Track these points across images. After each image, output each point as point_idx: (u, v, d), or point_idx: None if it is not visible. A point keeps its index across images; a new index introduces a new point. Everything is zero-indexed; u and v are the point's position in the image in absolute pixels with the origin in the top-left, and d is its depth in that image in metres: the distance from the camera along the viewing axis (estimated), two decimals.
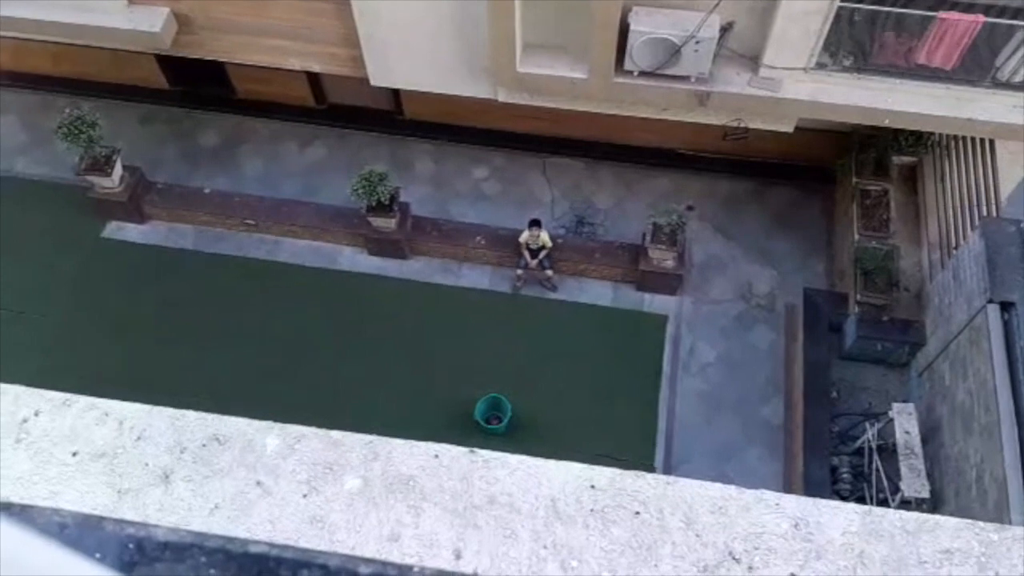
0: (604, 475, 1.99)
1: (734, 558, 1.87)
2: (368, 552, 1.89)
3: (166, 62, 13.32)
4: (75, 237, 12.93)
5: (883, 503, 9.91)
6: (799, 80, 9.52)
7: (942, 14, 8.53)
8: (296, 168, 13.70)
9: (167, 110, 14.10)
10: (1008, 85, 9.19)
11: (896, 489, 9.78)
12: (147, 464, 2.03)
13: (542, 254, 12.18)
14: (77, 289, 12.56)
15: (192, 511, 1.97)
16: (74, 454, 2.05)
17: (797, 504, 1.95)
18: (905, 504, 9.56)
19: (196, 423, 2.09)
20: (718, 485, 1.99)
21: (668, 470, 11.03)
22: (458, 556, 1.90)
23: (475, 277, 12.71)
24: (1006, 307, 9.27)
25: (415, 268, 12.79)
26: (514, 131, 13.34)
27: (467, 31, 10.03)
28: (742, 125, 10.61)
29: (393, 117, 13.79)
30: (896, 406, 10.13)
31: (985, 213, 10.45)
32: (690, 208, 12.99)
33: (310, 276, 12.70)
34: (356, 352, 12.02)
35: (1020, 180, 11.05)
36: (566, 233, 12.97)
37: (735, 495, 1.96)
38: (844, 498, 10.19)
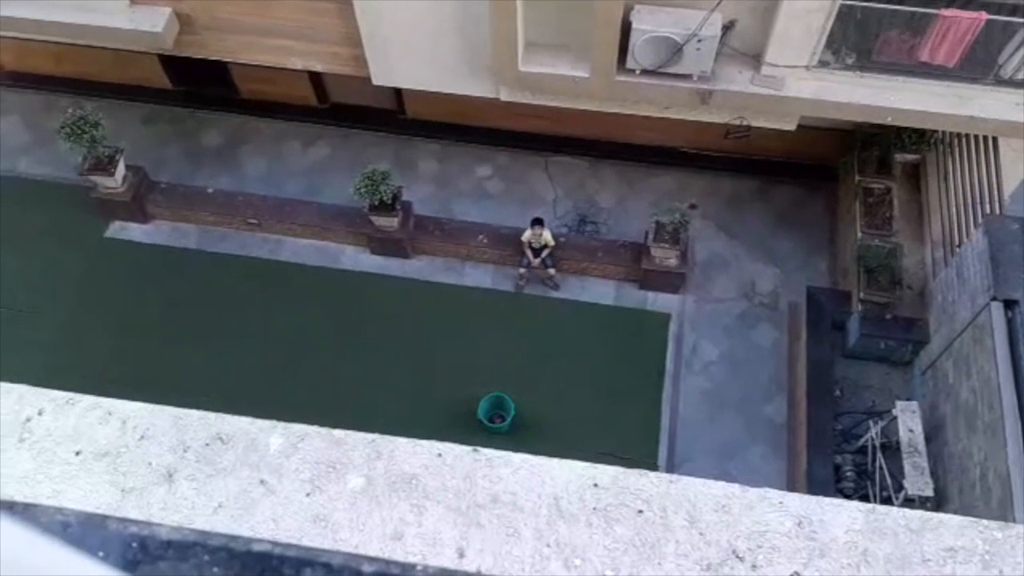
0: (607, 473, 1.99)
1: (737, 556, 1.87)
2: (371, 551, 1.89)
3: (169, 62, 13.33)
4: (78, 237, 12.94)
5: (887, 501, 9.90)
6: (801, 78, 9.51)
7: (945, 11, 8.51)
8: (299, 168, 13.71)
9: (170, 110, 14.11)
10: (1010, 83, 9.18)
11: (900, 487, 9.76)
12: (150, 463, 2.04)
13: (545, 253, 12.18)
14: (80, 289, 12.57)
15: (195, 510, 1.97)
16: (77, 453, 2.05)
17: (800, 502, 1.94)
18: (909, 502, 9.54)
19: (199, 422, 2.09)
20: (721, 483, 1.98)
21: (671, 468, 11.03)
22: (461, 555, 1.90)
23: (478, 276, 12.70)
24: (1010, 305, 9.26)
25: (418, 267, 12.80)
26: (516, 130, 13.33)
27: (469, 30, 10.02)
28: (744, 123, 10.59)
29: (395, 116, 13.79)
30: (900, 404, 10.11)
31: (988, 211, 10.43)
32: (693, 206, 12.97)
33: (313, 275, 12.71)
34: (359, 351, 12.02)
35: (1023, 178, 11.04)
36: (569, 232, 12.96)
37: (738, 493, 1.95)
38: (848, 496, 10.18)
